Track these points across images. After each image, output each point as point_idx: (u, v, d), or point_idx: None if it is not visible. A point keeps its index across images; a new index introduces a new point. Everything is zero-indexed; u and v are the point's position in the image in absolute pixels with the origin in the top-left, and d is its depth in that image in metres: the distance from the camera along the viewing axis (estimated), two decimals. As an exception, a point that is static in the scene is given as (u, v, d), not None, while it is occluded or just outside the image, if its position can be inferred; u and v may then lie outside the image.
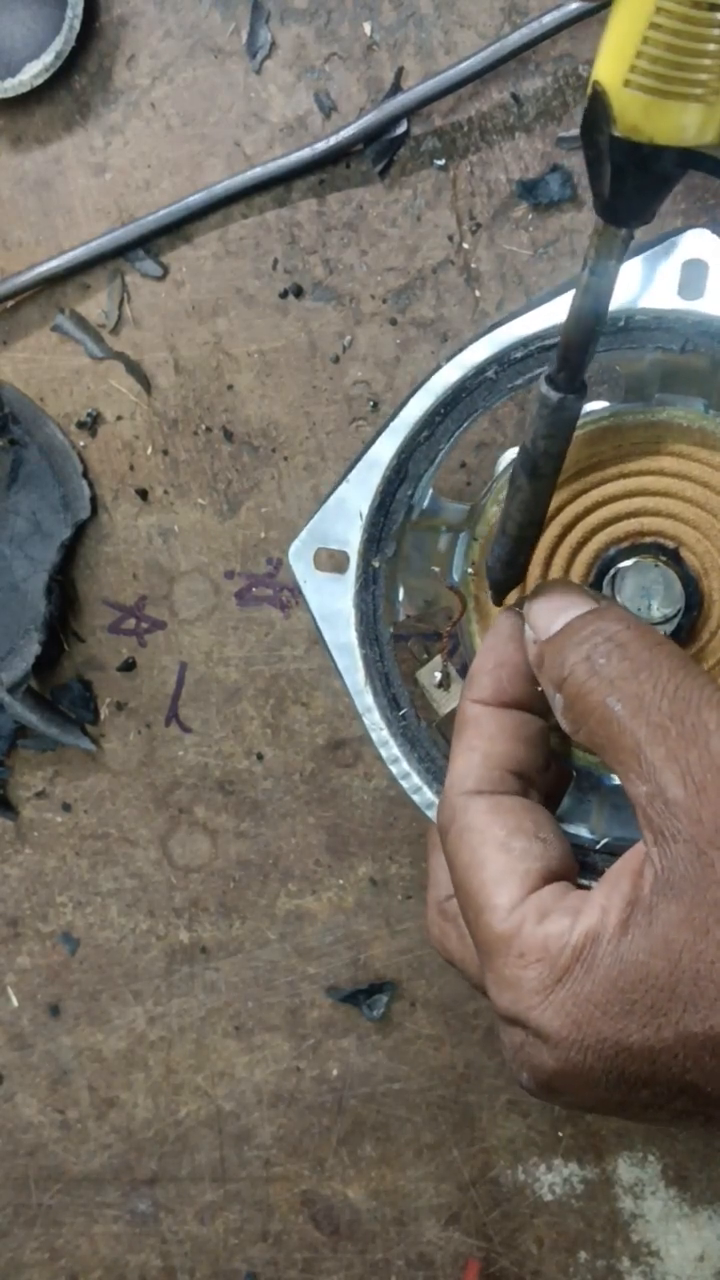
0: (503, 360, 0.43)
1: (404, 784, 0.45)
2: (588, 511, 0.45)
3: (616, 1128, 0.61)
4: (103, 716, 0.61)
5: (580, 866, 0.45)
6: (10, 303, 0.58)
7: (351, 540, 0.45)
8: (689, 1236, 0.62)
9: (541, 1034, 0.36)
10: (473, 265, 0.55)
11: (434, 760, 0.45)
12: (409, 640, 0.56)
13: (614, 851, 0.44)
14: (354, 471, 0.44)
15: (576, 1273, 0.63)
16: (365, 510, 0.44)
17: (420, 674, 0.48)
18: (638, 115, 0.33)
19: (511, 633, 0.42)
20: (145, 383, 0.58)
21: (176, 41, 0.55)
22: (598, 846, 0.45)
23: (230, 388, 0.57)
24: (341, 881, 0.61)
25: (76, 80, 0.56)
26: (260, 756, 0.61)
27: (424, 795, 0.45)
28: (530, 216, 0.54)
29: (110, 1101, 0.65)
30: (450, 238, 0.55)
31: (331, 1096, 0.63)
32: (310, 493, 0.58)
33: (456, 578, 0.47)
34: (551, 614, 0.40)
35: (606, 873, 0.37)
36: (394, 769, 0.45)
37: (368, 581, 0.45)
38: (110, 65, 0.55)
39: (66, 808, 0.63)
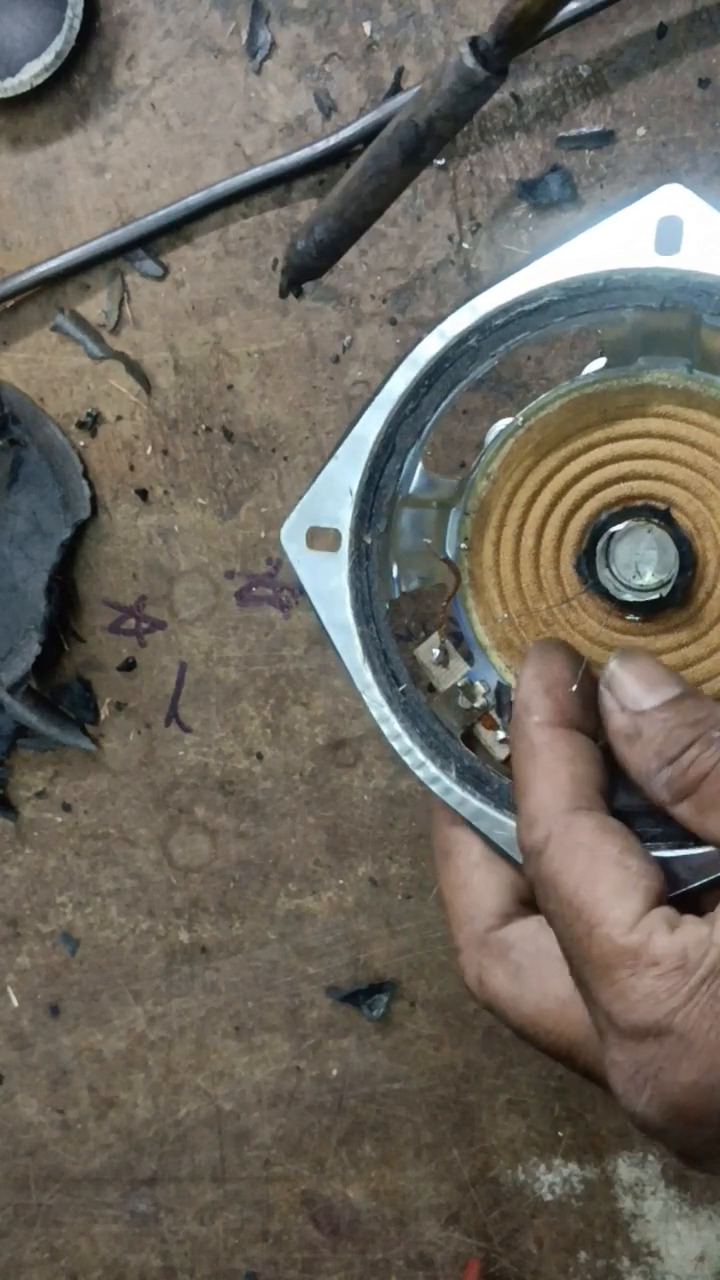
0: (484, 328, 0.43)
1: (407, 759, 0.45)
2: (577, 479, 0.45)
3: (616, 1127, 0.61)
4: (103, 716, 0.61)
5: None
6: (10, 303, 0.58)
7: (342, 518, 0.45)
8: (689, 1236, 0.62)
9: (686, 1040, 0.35)
10: (473, 265, 0.55)
11: (435, 735, 0.45)
12: (407, 619, 0.56)
13: None
14: (341, 448, 0.44)
15: (576, 1273, 0.63)
16: (355, 486, 0.44)
17: (419, 651, 0.48)
18: None
19: (557, 658, 0.43)
20: (145, 383, 0.58)
21: (176, 41, 0.55)
22: None
23: (230, 388, 0.57)
24: (341, 881, 0.61)
25: (76, 80, 0.56)
26: (260, 756, 0.61)
27: (428, 770, 0.45)
28: (530, 216, 0.54)
29: (110, 1101, 0.65)
30: (450, 238, 0.55)
31: (331, 1096, 0.63)
32: (310, 493, 0.58)
33: (450, 553, 0.47)
34: (645, 687, 0.41)
35: None
36: (396, 745, 0.45)
37: (360, 558, 0.45)
38: (110, 65, 0.55)
39: (66, 808, 0.63)
